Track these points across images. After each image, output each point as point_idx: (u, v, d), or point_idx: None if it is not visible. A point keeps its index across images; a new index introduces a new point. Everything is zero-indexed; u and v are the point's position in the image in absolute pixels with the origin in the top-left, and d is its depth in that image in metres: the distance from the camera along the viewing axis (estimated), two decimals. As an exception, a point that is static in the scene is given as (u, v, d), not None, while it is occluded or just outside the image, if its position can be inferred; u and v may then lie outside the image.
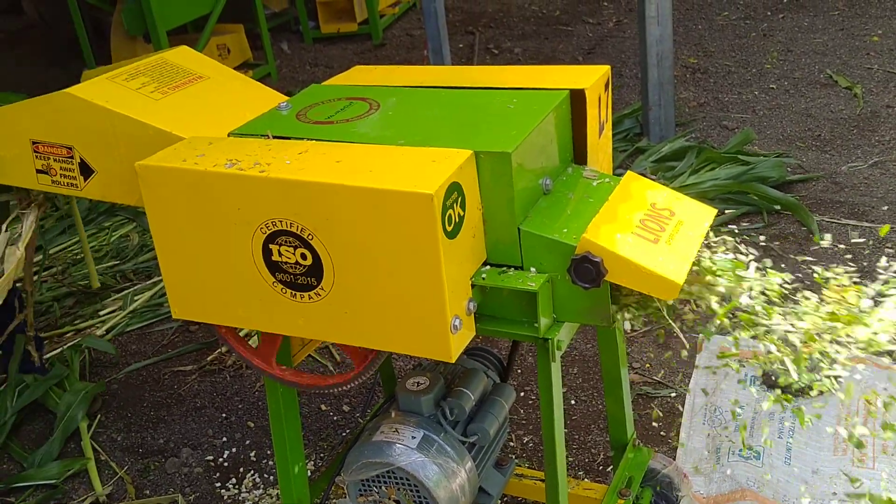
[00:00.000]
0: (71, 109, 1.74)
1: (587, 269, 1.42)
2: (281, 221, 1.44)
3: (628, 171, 1.67)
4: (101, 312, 3.32)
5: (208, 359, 3.04)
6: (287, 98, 1.81)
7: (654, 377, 2.70)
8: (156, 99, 1.76)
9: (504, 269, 1.51)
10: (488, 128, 1.53)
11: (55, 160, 1.81)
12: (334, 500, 1.91)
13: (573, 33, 6.20)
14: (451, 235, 1.38)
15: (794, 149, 4.04)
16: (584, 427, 2.54)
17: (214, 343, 3.10)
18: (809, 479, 2.23)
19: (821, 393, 2.47)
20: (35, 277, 2.82)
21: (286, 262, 1.48)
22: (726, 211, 3.42)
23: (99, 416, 2.85)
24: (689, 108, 4.65)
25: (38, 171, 1.84)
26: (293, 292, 1.51)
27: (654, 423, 2.51)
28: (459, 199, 1.39)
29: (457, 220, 1.39)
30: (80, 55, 5.95)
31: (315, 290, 1.48)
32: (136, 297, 3.37)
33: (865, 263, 3.08)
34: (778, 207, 3.49)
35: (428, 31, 4.83)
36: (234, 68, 5.68)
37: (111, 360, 3.12)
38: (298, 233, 1.44)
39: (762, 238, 3.32)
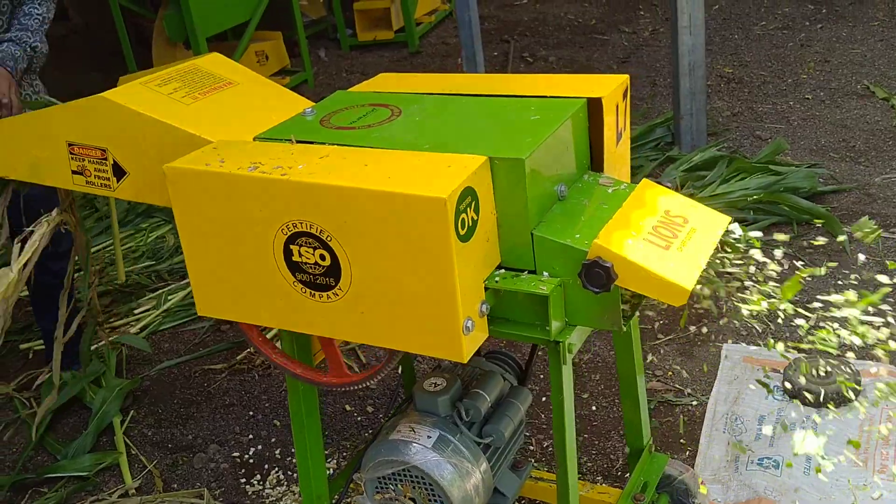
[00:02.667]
0: (105, 113, 1.81)
1: (598, 274, 1.45)
2: (301, 223, 1.49)
3: (644, 179, 1.69)
4: (136, 311, 3.41)
5: (238, 358, 3.11)
6: (313, 104, 1.87)
7: (677, 385, 2.71)
8: (186, 104, 1.83)
9: (517, 272, 1.54)
10: (504, 134, 1.56)
11: (90, 162, 1.88)
12: (352, 497, 1.95)
13: (608, 42, 6.21)
14: (465, 239, 1.42)
15: (827, 159, 4.01)
16: (604, 433, 2.56)
17: (244, 343, 3.16)
18: (828, 490, 2.23)
19: (842, 404, 2.48)
20: (80, 273, 2.90)
21: (306, 263, 1.53)
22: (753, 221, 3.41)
23: (132, 411, 2.92)
24: (722, 117, 4.64)
25: (74, 172, 1.91)
26: (312, 292, 1.55)
27: (674, 431, 2.52)
28: (473, 203, 1.43)
29: (470, 223, 1.43)
30: (123, 61, 6.10)
31: (333, 290, 1.53)
32: (169, 297, 3.45)
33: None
34: (808, 218, 3.47)
35: (462, 40, 4.88)
36: (272, 75, 5.81)
37: (145, 357, 3.20)
38: (318, 234, 1.48)
39: (791, 248, 3.32)
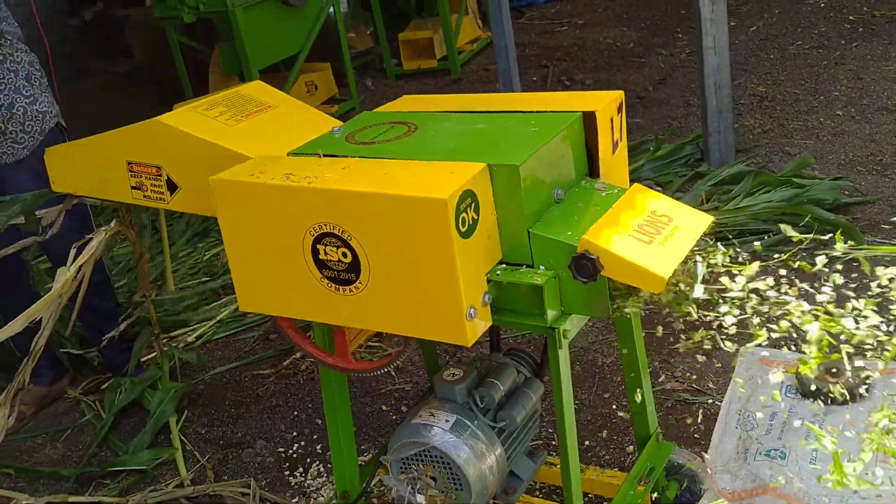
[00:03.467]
0: (160, 134, 2.06)
1: (585, 266, 1.63)
2: (326, 224, 1.70)
3: (635, 184, 1.87)
4: (191, 322, 3.67)
5: (284, 363, 3.34)
6: (342, 123, 2.09)
7: (694, 385, 2.85)
8: (230, 125, 2.07)
9: (517, 266, 1.73)
10: (504, 145, 1.76)
11: (146, 178, 2.13)
12: (380, 478, 2.14)
13: (645, 64, 6.37)
14: (466, 235, 1.61)
15: (854, 173, 4.11)
16: (622, 429, 2.71)
17: (290, 349, 3.39)
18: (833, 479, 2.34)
19: (853, 401, 2.59)
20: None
21: (331, 260, 1.74)
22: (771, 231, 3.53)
23: (186, 412, 3.17)
24: (753, 134, 4.76)
25: (133, 188, 2.17)
26: (337, 286, 1.76)
27: (690, 427, 2.66)
28: (473, 204, 1.62)
29: (470, 222, 1.62)
30: (183, 93, 6.46)
31: (354, 285, 1.74)
32: (222, 309, 3.71)
33: None
34: (830, 229, 3.58)
35: (499, 66, 5.11)
36: (321, 104, 6.11)
37: (199, 364, 3.45)
38: (340, 234, 1.70)
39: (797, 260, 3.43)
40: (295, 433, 2.95)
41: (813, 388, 2.64)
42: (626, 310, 1.74)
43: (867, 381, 2.64)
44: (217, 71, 5.69)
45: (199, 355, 3.44)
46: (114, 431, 3.11)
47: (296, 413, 3.06)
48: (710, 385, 2.83)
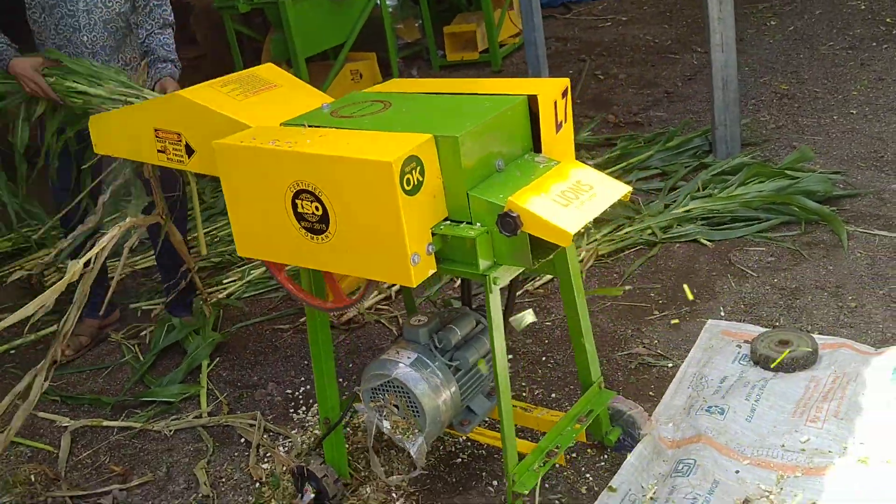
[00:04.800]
0: (180, 106, 2.44)
1: (508, 222, 1.95)
2: (302, 182, 2.06)
3: (568, 158, 2.18)
4: (224, 282, 4.09)
5: (301, 320, 3.72)
6: (332, 100, 2.45)
7: (659, 352, 3.13)
8: (238, 100, 2.44)
9: (458, 223, 2.06)
10: (452, 120, 2.09)
11: (170, 143, 2.52)
12: (354, 405, 2.49)
13: (679, 61, 6.58)
14: (411, 193, 1.95)
15: (854, 168, 4.30)
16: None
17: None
18: (763, 433, 2.61)
19: (797, 369, 2.85)
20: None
21: (306, 213, 2.09)
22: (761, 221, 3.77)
23: (217, 358, 3.57)
24: (766, 129, 4.97)
25: (159, 151, 2.56)
26: (312, 235, 2.12)
27: (647, 386, 2.95)
28: (418, 167, 1.96)
29: (415, 182, 1.96)
30: (241, 78, 6.92)
31: (325, 234, 2.09)
32: (251, 272, 4.11)
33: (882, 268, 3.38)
34: (816, 218, 3.80)
35: (528, 58, 5.40)
36: (365, 90, 6.46)
37: (233, 318, 3.85)
38: (312, 191, 2.05)
39: (794, 244, 3.67)
40: (303, 378, 3.33)
41: (762, 356, 2.91)
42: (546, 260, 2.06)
43: (814, 353, 2.89)
44: (268, 57, 6.11)
45: (242, 305, 3.85)
46: (151, 371, 3.53)
47: (306, 362, 3.44)
48: (674, 352, 3.11)
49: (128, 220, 2.93)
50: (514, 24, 7.42)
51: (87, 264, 2.76)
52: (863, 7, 6.96)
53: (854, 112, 5.01)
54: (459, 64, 7.20)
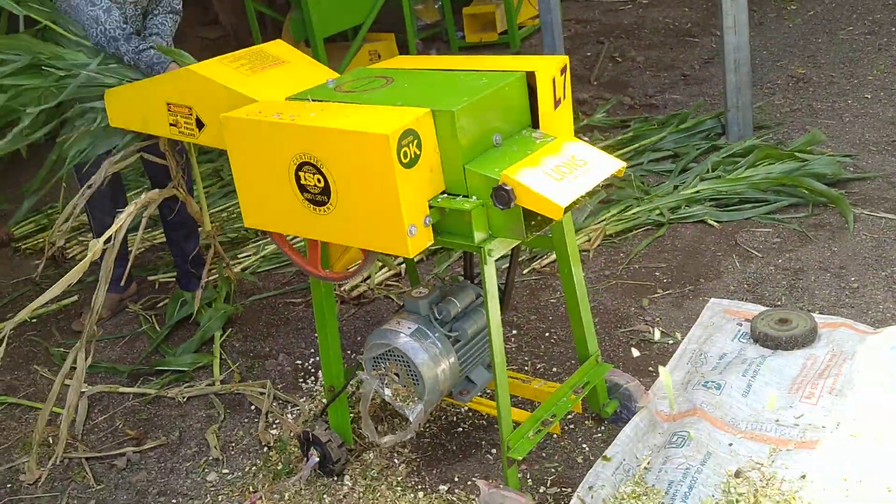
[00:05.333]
0: (191, 80, 2.52)
1: (502, 195, 2.01)
2: (304, 155, 2.13)
3: (565, 134, 2.23)
4: (239, 256, 4.18)
5: (313, 294, 3.81)
6: (338, 76, 2.51)
7: (662, 329, 3.18)
8: (247, 75, 2.51)
9: (455, 196, 2.12)
10: (451, 95, 2.14)
11: (181, 116, 2.60)
12: (357, 373, 2.57)
13: (698, 44, 6.58)
14: (408, 166, 2.01)
15: (865, 152, 4.30)
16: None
17: (319, 283, 3.85)
18: (758, 409, 2.66)
19: (796, 347, 2.89)
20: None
21: (309, 185, 2.16)
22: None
23: (230, 329, 3.66)
24: (780, 112, 4.97)
25: (170, 125, 2.64)
26: (314, 207, 2.19)
27: (648, 362, 3.00)
28: (415, 141, 2.02)
29: (412, 156, 2.02)
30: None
31: (327, 206, 2.16)
32: (265, 247, 4.20)
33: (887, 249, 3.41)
34: (823, 200, 3.82)
35: (544, 40, 5.43)
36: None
37: (246, 291, 3.95)
38: (314, 163, 2.12)
39: (800, 225, 3.69)
40: (312, 350, 3.41)
41: (761, 333, 2.95)
42: (540, 233, 2.12)
43: (813, 332, 2.93)
44: (287, 36, 6.17)
45: (256, 279, 3.95)
46: (166, 342, 3.63)
47: (316, 335, 3.52)
48: (676, 331, 3.16)
49: (143, 196, 3.02)
50: (533, 6, 7.42)
51: (107, 241, 2.84)
52: (885, -9, 6.91)
53: (869, 96, 5.00)
54: (478, 45, 7.23)
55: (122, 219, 2.86)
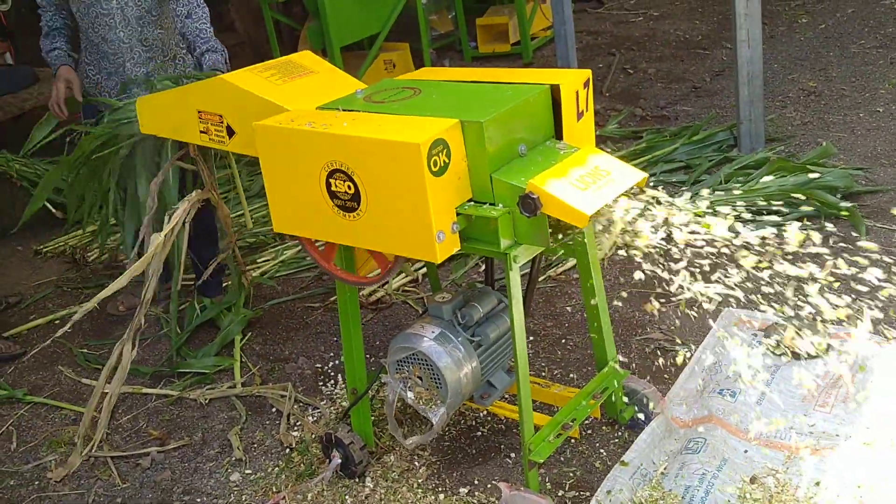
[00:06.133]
0: (223, 89, 2.59)
1: (528, 203, 2.07)
2: (335, 162, 2.19)
3: (589, 145, 2.30)
4: (259, 260, 4.25)
5: (331, 299, 3.87)
6: (365, 86, 2.58)
7: (676, 338, 3.23)
8: (277, 85, 2.57)
9: (482, 204, 2.18)
10: (478, 107, 2.21)
11: (212, 124, 2.67)
12: (380, 376, 2.63)
13: (708, 56, 6.64)
14: (437, 174, 2.07)
15: (876, 165, 4.35)
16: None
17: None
18: (772, 415, 2.71)
19: (810, 359, 2.93)
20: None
21: (339, 192, 2.23)
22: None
23: (249, 333, 3.73)
24: (792, 125, 5.03)
25: (201, 132, 2.71)
26: (344, 213, 2.25)
27: (664, 370, 3.05)
28: (445, 150, 2.08)
29: (442, 164, 2.08)
30: (277, 66, 7.09)
31: (357, 212, 2.22)
32: (285, 252, 4.27)
33: None
34: (835, 213, 3.87)
35: (558, 51, 5.50)
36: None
37: (265, 296, 4.01)
38: (346, 170, 2.18)
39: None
40: (332, 354, 3.47)
41: (776, 344, 3.00)
42: (563, 241, 2.18)
43: (828, 344, 2.98)
44: (306, 46, 6.26)
45: (275, 284, 4.02)
46: (187, 344, 3.70)
47: (335, 339, 3.59)
48: (690, 338, 3.21)
49: (193, 193, 3.12)
50: (546, 18, 7.51)
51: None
52: (896, 6, 6.98)
53: (881, 110, 5.06)
54: (491, 56, 7.31)
55: (177, 216, 2.98)
